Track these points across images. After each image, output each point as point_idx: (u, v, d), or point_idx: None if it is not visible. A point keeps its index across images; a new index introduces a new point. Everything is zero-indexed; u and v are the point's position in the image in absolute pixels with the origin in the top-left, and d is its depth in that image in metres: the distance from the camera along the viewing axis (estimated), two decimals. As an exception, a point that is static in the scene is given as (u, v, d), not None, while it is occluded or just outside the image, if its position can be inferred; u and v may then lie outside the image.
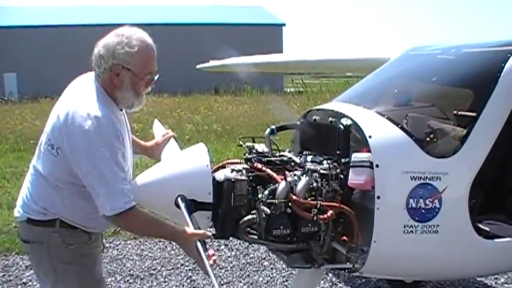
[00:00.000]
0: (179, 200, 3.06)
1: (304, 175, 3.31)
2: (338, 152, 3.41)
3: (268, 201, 3.20)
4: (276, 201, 3.18)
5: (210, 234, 3.06)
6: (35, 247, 3.12)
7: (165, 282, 5.87)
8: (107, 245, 6.70)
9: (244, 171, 3.33)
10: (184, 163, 3.21)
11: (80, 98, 2.97)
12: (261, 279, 5.92)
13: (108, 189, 2.85)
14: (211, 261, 2.80)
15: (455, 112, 4.04)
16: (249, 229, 3.32)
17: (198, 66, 11.42)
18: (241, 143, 3.67)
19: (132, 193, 2.91)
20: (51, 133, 2.98)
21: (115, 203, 2.86)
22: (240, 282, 5.87)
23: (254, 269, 6.19)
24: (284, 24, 50.01)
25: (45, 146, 3.02)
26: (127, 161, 3.07)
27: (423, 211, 3.25)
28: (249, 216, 3.25)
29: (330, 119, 3.57)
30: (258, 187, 3.31)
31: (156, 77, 3.12)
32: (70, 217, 3.05)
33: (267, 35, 44.38)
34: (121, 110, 3.15)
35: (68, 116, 2.89)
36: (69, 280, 3.12)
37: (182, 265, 6.26)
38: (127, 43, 2.95)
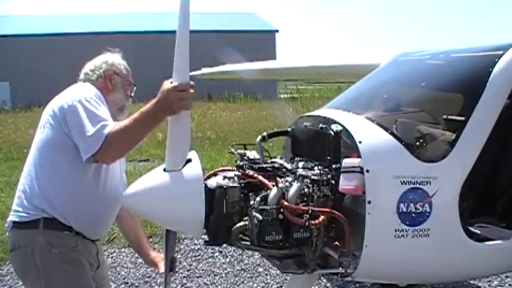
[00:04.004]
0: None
1: (296, 181, 3.34)
2: (329, 158, 3.43)
3: (260, 207, 3.21)
4: (268, 207, 3.20)
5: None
6: (19, 254, 3.14)
7: (160, 289, 5.88)
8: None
9: (236, 178, 3.34)
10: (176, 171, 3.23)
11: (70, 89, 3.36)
12: (255, 285, 5.95)
13: (90, 132, 3.03)
14: None
15: (444, 117, 4.08)
16: (241, 235, 3.33)
17: (190, 74, 11.44)
18: (232, 150, 3.70)
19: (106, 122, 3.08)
20: (42, 122, 3.26)
21: (95, 142, 3.00)
22: (235, 288, 5.90)
23: (249, 275, 6.21)
24: (277, 31, 50.12)
25: (34, 140, 3.28)
26: (113, 173, 3.34)
27: (414, 215, 3.28)
28: (241, 223, 3.26)
29: (321, 125, 3.59)
30: (249, 194, 3.33)
31: (134, 89, 3.69)
32: (62, 206, 3.11)
33: (260, 42, 44.43)
34: None
35: (64, 99, 3.21)
36: (55, 286, 3.12)
37: (176, 272, 6.27)
38: (112, 57, 3.61)
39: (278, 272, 5.96)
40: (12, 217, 3.18)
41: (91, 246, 3.32)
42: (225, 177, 3.32)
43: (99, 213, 3.33)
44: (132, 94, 3.67)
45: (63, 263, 3.12)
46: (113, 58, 3.59)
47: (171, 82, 2.88)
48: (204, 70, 10.73)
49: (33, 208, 3.09)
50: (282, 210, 3.21)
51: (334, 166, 3.38)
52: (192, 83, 2.93)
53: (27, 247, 3.09)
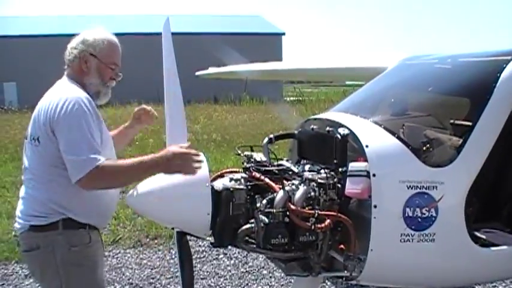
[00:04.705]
0: (175, 231, 3.28)
1: (302, 184, 3.34)
2: (335, 161, 3.44)
3: (267, 210, 3.22)
4: (274, 210, 3.21)
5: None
6: (39, 253, 3.12)
7: (165, 290, 5.89)
8: (106, 253, 6.72)
9: (242, 180, 3.36)
10: (185, 183, 3.22)
11: (53, 92, 3.21)
12: (259, 287, 5.94)
13: (78, 156, 2.94)
14: None
15: (451, 121, 4.08)
16: (247, 238, 3.34)
17: (197, 73, 11.48)
18: (239, 152, 3.70)
19: (100, 155, 2.98)
20: (32, 130, 3.15)
21: (84, 167, 2.93)
22: (239, 290, 5.90)
23: (253, 277, 6.20)
24: (284, 34, 50.12)
25: (30, 146, 3.17)
26: (106, 144, 3.22)
27: (420, 220, 3.28)
28: (248, 225, 3.27)
29: (328, 128, 3.60)
30: (256, 196, 3.34)
31: (120, 74, 3.41)
32: (68, 204, 3.09)
33: (267, 44, 44.40)
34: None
35: (46, 105, 3.10)
36: (74, 283, 3.14)
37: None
38: (95, 33, 3.32)
39: (282, 274, 5.94)
40: (26, 222, 3.13)
41: (97, 235, 3.32)
42: (231, 179, 3.33)
43: (108, 203, 3.34)
44: (114, 83, 3.40)
45: (82, 260, 3.15)
46: (93, 36, 3.32)
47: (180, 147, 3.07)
48: (211, 70, 10.76)
49: (50, 212, 3.08)
50: (288, 213, 3.22)
51: (340, 170, 3.39)
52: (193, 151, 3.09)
53: (47, 247, 3.08)
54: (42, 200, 3.10)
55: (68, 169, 2.98)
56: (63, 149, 2.99)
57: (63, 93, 3.12)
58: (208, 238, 3.39)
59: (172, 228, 3.37)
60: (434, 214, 3.30)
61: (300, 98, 34.41)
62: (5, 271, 6.45)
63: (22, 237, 3.18)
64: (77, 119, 2.99)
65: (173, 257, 6.73)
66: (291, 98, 38.29)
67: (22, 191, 3.23)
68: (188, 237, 3.37)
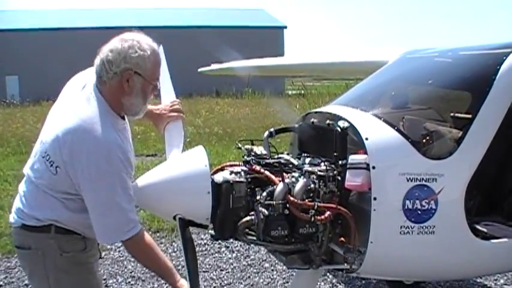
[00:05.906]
0: (177, 219, 3.21)
1: (302, 177, 3.36)
2: (335, 154, 3.44)
3: (266, 202, 3.24)
4: (274, 202, 3.23)
5: None
6: (29, 254, 3.03)
7: (166, 284, 5.89)
8: (108, 246, 6.73)
9: (242, 173, 3.36)
10: (183, 165, 3.26)
11: (82, 115, 2.87)
12: (261, 280, 5.96)
13: (109, 220, 2.87)
14: None
15: (451, 114, 4.08)
16: (247, 230, 3.35)
17: (199, 70, 11.45)
18: (240, 145, 3.71)
19: (136, 221, 2.95)
20: (50, 149, 2.88)
21: (112, 236, 2.95)
22: (241, 283, 5.92)
23: (255, 270, 6.23)
24: (285, 27, 50.11)
25: (42, 159, 2.93)
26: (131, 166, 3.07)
27: (419, 212, 3.29)
28: (248, 218, 3.28)
29: (328, 121, 3.61)
30: (256, 189, 3.35)
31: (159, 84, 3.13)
32: (67, 222, 2.98)
33: (269, 38, 44.42)
34: (123, 118, 3.10)
35: (72, 136, 2.82)
36: None
37: (183, 267, 6.28)
38: (139, 47, 2.89)
39: (284, 267, 5.96)
40: (19, 219, 3.02)
41: (94, 241, 3.19)
42: (231, 172, 3.34)
43: None
44: (156, 92, 3.12)
45: (74, 266, 3.04)
46: (138, 50, 2.88)
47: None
48: (214, 66, 10.75)
49: (43, 218, 2.97)
50: (288, 205, 3.24)
51: (340, 162, 3.39)
52: None
53: (38, 250, 2.99)
54: (43, 206, 2.97)
55: (95, 230, 2.90)
56: (93, 212, 2.86)
57: (91, 130, 2.83)
58: (209, 231, 3.41)
59: (174, 218, 3.33)
60: (434, 206, 3.30)
61: (303, 92, 34.38)
62: (8, 264, 6.49)
63: (15, 232, 3.09)
64: (110, 181, 2.83)
65: (175, 250, 6.76)
66: (293, 92, 38.27)
67: (21, 188, 3.11)
68: (191, 229, 3.37)
